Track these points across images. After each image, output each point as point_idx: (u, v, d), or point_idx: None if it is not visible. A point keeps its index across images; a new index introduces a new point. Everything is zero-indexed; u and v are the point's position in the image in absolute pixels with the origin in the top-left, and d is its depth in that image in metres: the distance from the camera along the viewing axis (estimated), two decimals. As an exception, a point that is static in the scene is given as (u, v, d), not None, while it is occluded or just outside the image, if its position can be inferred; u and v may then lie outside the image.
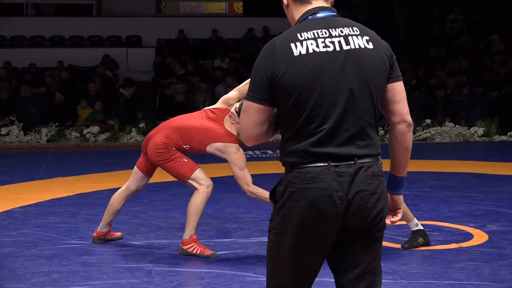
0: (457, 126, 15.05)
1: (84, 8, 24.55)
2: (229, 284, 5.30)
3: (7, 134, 14.66)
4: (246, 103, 2.95)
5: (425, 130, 14.92)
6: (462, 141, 14.74)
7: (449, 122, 15.13)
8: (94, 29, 21.86)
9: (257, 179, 9.57)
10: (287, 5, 3.09)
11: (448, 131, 14.87)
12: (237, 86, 6.62)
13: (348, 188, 2.86)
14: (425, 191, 8.75)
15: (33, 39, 21.57)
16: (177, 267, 5.74)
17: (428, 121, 15.21)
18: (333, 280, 4.94)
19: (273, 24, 21.76)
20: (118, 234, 6.70)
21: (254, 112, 2.94)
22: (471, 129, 15.01)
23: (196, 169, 6.15)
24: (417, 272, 5.51)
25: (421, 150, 12.72)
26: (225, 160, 6.29)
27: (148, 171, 6.37)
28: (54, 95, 16.12)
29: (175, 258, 6.00)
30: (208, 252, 6.06)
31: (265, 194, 5.88)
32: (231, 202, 8.14)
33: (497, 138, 14.88)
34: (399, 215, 3.17)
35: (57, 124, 14.82)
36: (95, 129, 14.83)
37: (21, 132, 14.71)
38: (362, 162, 2.89)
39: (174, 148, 6.15)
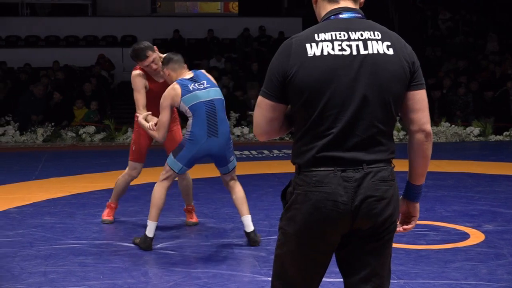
0: (453, 126, 15.06)
1: (80, 8, 24.52)
2: (226, 284, 5.29)
3: (3, 134, 14.65)
4: (260, 98, 2.95)
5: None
6: (458, 141, 14.76)
7: (445, 122, 15.14)
8: (90, 29, 21.85)
9: (253, 179, 9.61)
10: (316, 1, 3.05)
11: (444, 131, 14.88)
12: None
13: (354, 193, 2.83)
14: (421, 190, 8.73)
15: (28, 39, 21.54)
16: (173, 267, 5.74)
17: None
18: (330, 280, 4.96)
19: (268, 24, 21.76)
20: (193, 220, 7.21)
21: (266, 109, 2.93)
22: (467, 129, 15.02)
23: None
24: (414, 272, 5.51)
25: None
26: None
27: (168, 149, 6.85)
28: (52, 95, 16.11)
29: (172, 258, 6.00)
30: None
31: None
32: (228, 202, 8.12)
33: (493, 138, 14.90)
34: (413, 223, 3.15)
35: (53, 124, 14.81)
36: (91, 129, 14.81)
37: (17, 132, 14.69)
38: (371, 168, 2.85)
39: (137, 130, 6.98)
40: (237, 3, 25.15)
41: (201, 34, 21.51)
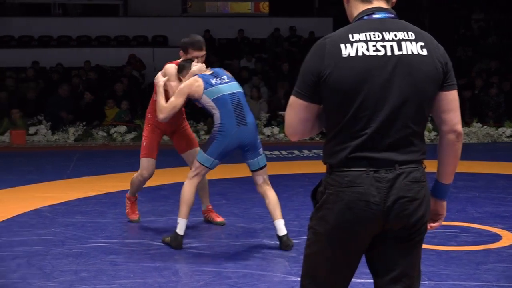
0: (484, 126, 14.94)
1: (111, 8, 24.66)
2: (256, 284, 5.30)
3: (35, 133, 14.77)
4: (292, 98, 2.94)
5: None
6: (489, 141, 14.64)
7: (476, 122, 15.03)
8: (121, 29, 21.95)
9: (283, 179, 9.61)
10: (348, 1, 3.03)
11: (475, 132, 14.77)
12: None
13: (387, 194, 2.83)
14: (452, 192, 8.65)
15: (60, 39, 21.70)
16: (203, 266, 5.75)
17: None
18: (360, 281, 4.95)
19: (299, 24, 21.73)
20: (220, 219, 7.23)
21: (300, 109, 2.92)
22: (499, 129, 14.90)
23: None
24: (445, 274, 5.48)
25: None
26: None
27: (181, 148, 7.09)
28: (83, 95, 16.22)
29: (202, 258, 6.02)
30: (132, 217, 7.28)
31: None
32: (258, 202, 8.12)
33: (525, 138, 14.77)
34: (440, 221, 3.15)
35: (84, 124, 14.91)
36: (122, 128, 14.89)
37: (49, 131, 14.81)
38: (403, 168, 2.85)
39: (149, 125, 7.08)
40: (267, 3, 25.15)
41: (232, 34, 21.54)
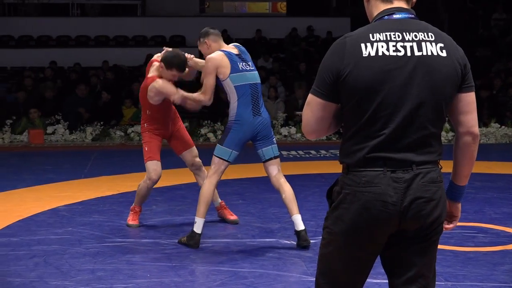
0: (503, 127, 14.86)
1: (129, 8, 24.76)
2: (272, 284, 5.30)
3: (53, 133, 14.83)
4: (310, 96, 2.94)
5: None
6: (508, 142, 14.56)
7: (494, 123, 14.95)
8: (139, 29, 22.03)
9: (300, 179, 9.60)
10: (368, 0, 3.03)
11: (493, 132, 14.69)
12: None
13: (404, 194, 2.83)
14: (469, 192, 8.65)
15: (78, 39, 21.80)
16: (220, 266, 5.76)
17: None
18: (376, 281, 4.94)
19: (316, 24, 21.72)
20: (234, 217, 7.21)
21: (317, 107, 2.92)
22: (518, 130, 14.82)
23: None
24: (462, 274, 5.46)
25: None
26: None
27: (178, 149, 7.14)
28: (100, 95, 16.28)
29: (219, 257, 6.02)
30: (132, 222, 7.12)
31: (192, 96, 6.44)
32: (274, 202, 8.13)
33: (544, 139, 14.68)
34: (455, 223, 3.14)
35: (101, 123, 14.96)
36: (140, 128, 14.91)
37: (67, 131, 14.86)
38: (420, 169, 2.85)
39: (146, 132, 6.98)
40: (285, 3, 25.17)
41: (249, 34, 21.54)
